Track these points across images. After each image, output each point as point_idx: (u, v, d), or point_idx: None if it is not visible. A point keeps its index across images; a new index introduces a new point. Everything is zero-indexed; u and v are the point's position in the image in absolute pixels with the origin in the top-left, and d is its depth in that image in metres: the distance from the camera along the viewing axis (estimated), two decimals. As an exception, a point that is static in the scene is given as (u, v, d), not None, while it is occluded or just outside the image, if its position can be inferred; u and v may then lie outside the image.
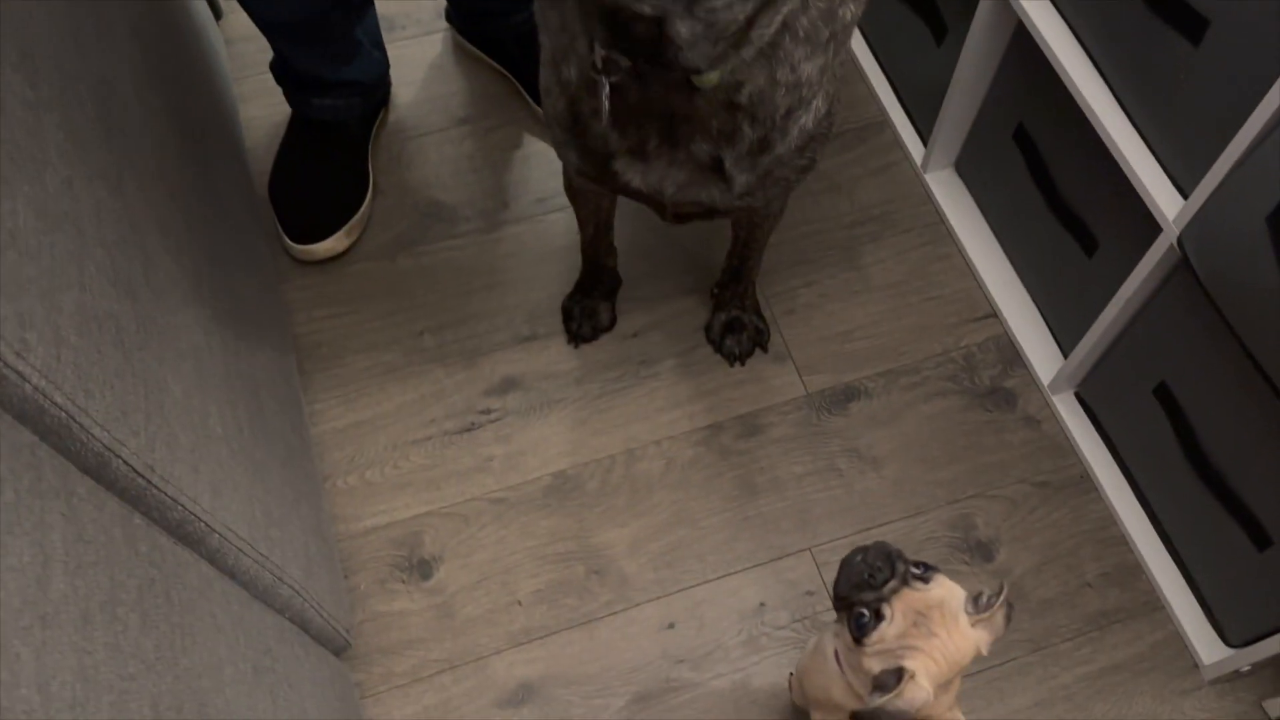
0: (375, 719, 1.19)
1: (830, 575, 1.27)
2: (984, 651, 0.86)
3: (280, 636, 0.94)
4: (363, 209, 1.45)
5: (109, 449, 0.67)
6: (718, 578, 1.27)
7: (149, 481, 0.71)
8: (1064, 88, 1.14)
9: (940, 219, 1.50)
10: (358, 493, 1.32)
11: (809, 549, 1.29)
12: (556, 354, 1.41)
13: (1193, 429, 1.15)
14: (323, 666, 1.05)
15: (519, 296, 1.44)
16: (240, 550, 0.87)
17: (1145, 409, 1.21)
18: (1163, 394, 1.18)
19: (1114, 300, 1.19)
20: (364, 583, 1.26)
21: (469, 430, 1.36)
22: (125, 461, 0.69)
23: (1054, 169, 1.29)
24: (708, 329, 1.41)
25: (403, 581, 1.27)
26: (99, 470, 0.67)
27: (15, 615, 0.51)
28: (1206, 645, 1.21)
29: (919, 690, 0.82)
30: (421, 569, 1.28)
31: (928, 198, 1.52)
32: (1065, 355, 1.35)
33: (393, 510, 1.31)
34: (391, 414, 1.37)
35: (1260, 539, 1.09)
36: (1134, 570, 1.27)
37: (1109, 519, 1.30)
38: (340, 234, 1.43)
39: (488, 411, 1.37)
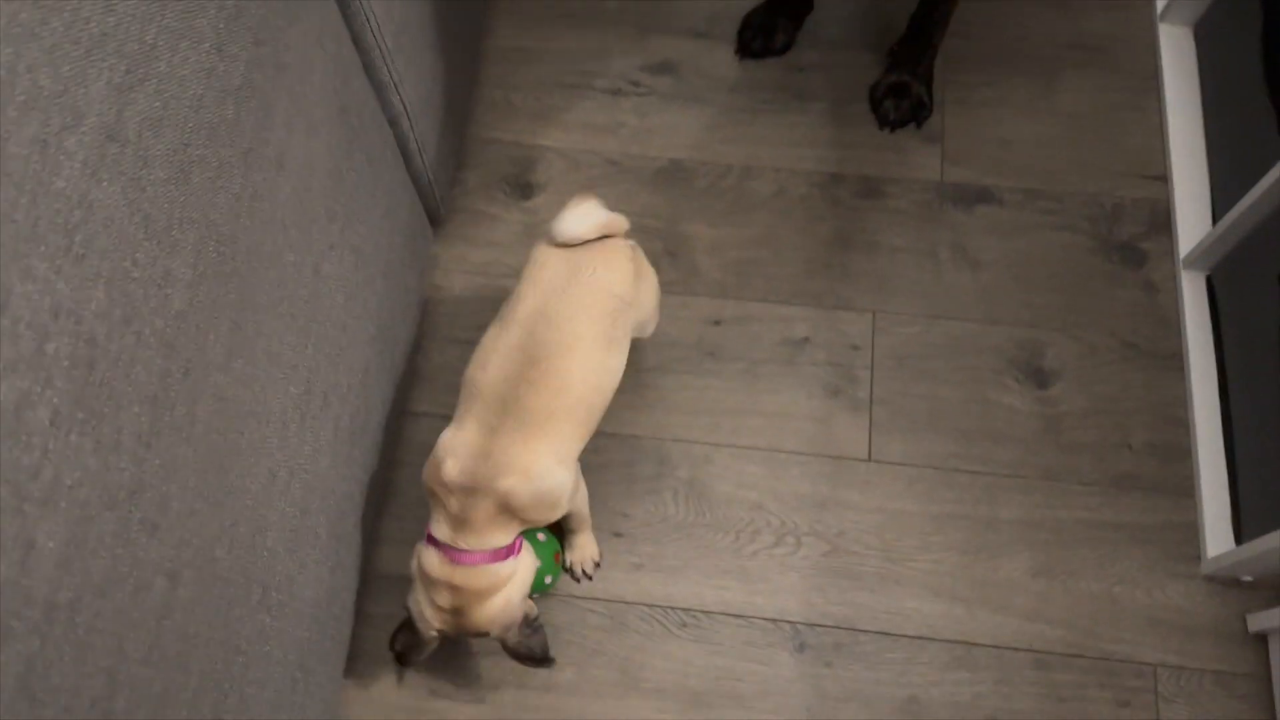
0: (440, 287, 1.31)
1: (887, 341, 1.28)
2: None
3: (386, 161, 1.04)
4: None
5: None
6: (778, 301, 1.31)
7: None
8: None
9: (1156, 74, 1.40)
10: (498, 108, 1.41)
11: (873, 312, 1.30)
12: (721, 58, 1.44)
13: (1306, 326, 1.08)
14: (415, 220, 1.16)
15: (710, -5, 1.47)
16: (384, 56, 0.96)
17: (1267, 294, 1.14)
18: (1292, 284, 1.10)
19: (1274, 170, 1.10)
20: (472, 178, 1.37)
21: (615, 94, 1.42)
22: None
23: (1293, 34, 1.19)
24: (874, 87, 1.39)
25: (505, 193, 1.36)
26: None
27: None
28: (1218, 540, 1.16)
29: None
30: (524, 190, 1.37)
31: (1153, 49, 1.42)
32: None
33: (520, 133, 1.40)
34: (555, 53, 1.44)
35: (1320, 447, 1.03)
36: (1181, 453, 1.22)
37: (1180, 401, 1.24)
38: (573, -126, 1.47)
39: (638, 84, 1.42)
